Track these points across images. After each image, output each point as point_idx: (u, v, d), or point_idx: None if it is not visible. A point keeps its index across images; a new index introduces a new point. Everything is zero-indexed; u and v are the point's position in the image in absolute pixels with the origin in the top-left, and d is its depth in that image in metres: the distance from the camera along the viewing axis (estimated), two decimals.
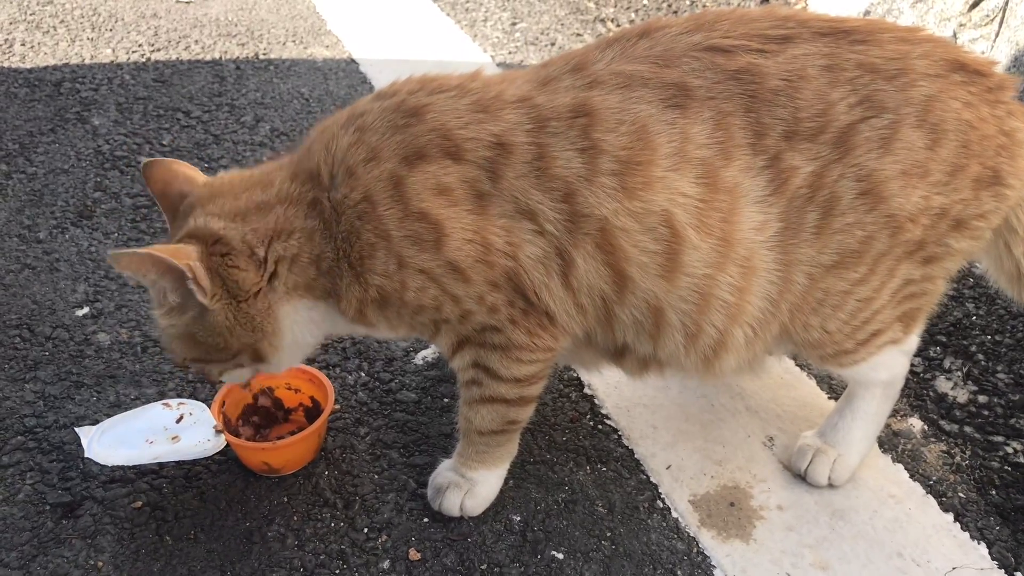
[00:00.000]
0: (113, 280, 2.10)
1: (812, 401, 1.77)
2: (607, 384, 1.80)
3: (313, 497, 1.57)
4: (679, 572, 1.44)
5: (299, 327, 1.41)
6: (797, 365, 1.85)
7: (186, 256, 1.30)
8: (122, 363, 1.86)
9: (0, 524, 1.51)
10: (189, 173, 1.46)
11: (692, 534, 1.50)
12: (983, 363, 1.86)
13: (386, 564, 1.45)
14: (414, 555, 1.47)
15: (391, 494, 1.57)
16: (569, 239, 1.30)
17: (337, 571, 1.44)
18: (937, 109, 1.30)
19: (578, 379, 1.81)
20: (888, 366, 1.52)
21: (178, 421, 1.62)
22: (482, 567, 1.45)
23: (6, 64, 3.15)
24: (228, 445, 1.57)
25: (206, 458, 1.61)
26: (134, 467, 1.61)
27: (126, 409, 1.72)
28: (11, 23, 3.47)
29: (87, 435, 1.59)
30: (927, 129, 1.30)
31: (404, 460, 1.64)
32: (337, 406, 1.74)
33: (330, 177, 1.34)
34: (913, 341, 1.55)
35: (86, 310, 2.00)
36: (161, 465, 1.61)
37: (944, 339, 1.92)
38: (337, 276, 1.36)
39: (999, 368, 1.85)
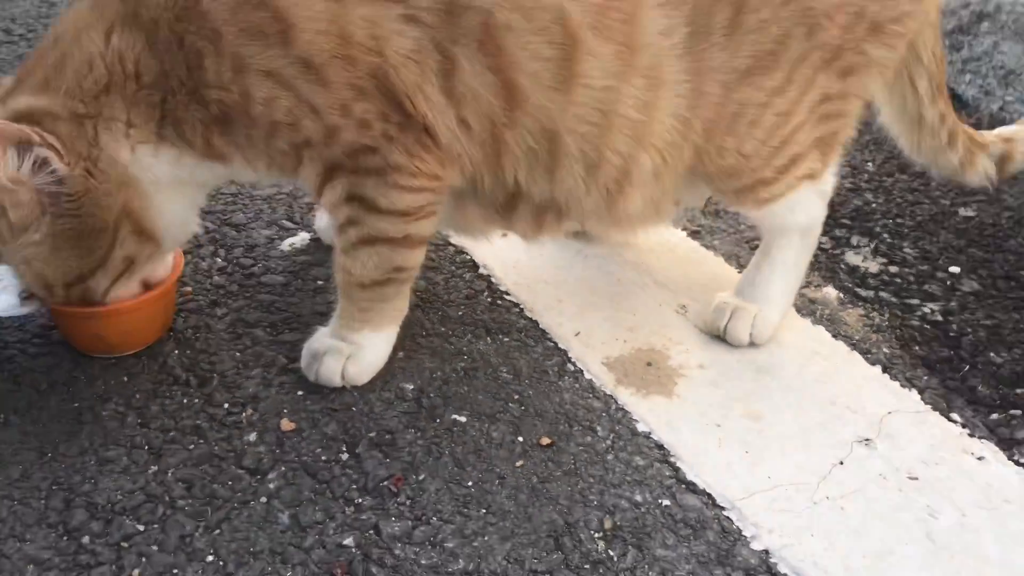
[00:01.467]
0: None
1: (722, 273, 1.64)
2: (504, 263, 1.61)
3: (160, 376, 1.30)
4: (598, 428, 1.26)
5: (152, 171, 1.19)
6: (703, 246, 1.73)
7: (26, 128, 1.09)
8: None
9: None
10: None
11: (608, 392, 1.32)
12: (888, 240, 1.79)
13: (252, 436, 1.20)
14: (287, 425, 1.22)
15: (256, 370, 1.32)
16: (447, 33, 1.11)
17: (191, 447, 1.18)
18: None
19: (471, 260, 1.62)
20: (805, 207, 1.41)
21: None
22: (370, 435, 1.22)
23: None
24: (51, 319, 1.28)
25: (20, 340, 1.32)
26: None
27: None
28: None
29: None
30: None
31: (270, 338, 1.39)
32: (188, 288, 1.48)
33: None
34: (829, 180, 1.45)
35: None
36: None
37: (848, 222, 1.84)
38: (170, 95, 1.14)
39: (904, 244, 1.79)
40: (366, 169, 1.19)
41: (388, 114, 1.15)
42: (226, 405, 1.25)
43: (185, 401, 1.26)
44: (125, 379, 1.29)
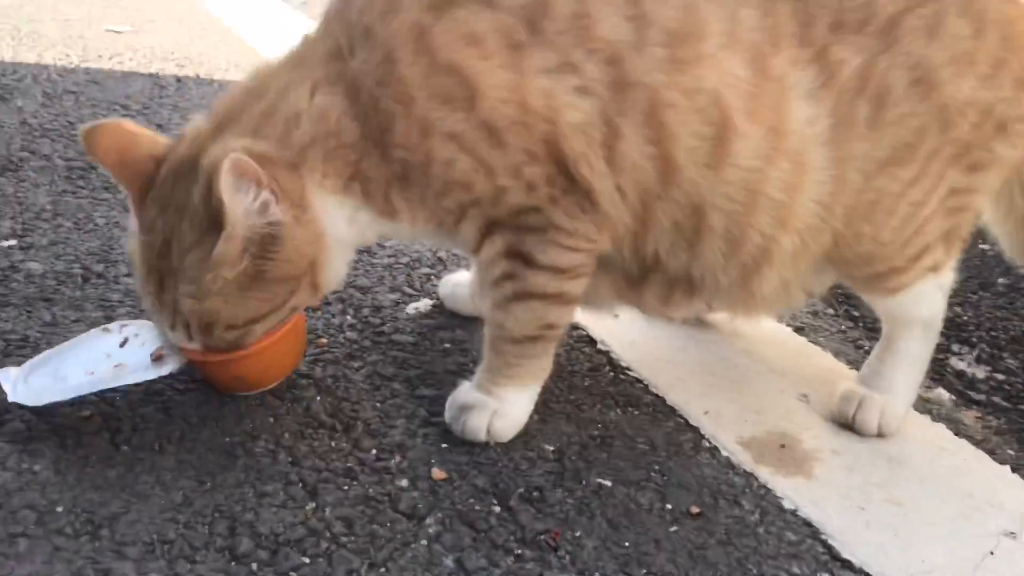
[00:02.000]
0: (46, 220, 1.81)
1: (834, 368, 1.66)
2: (621, 341, 1.63)
3: (305, 419, 1.31)
4: (743, 502, 1.25)
5: (337, 225, 1.23)
6: (811, 342, 1.75)
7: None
8: (60, 289, 1.56)
9: None
10: (148, 133, 1.28)
11: (748, 470, 1.33)
12: (988, 351, 1.82)
13: (403, 482, 1.20)
14: (438, 474, 1.22)
15: (399, 420, 1.33)
16: (615, 106, 1.18)
17: (345, 487, 1.18)
18: (978, 0, 1.30)
19: (589, 336, 1.64)
20: (929, 300, 1.44)
21: (122, 345, 1.33)
22: (519, 490, 1.22)
23: None
24: (193, 368, 1.29)
25: (168, 377, 1.33)
26: None
27: (64, 330, 1.43)
28: None
29: (9, 378, 1.26)
30: (971, 18, 1.28)
31: (408, 391, 1.41)
32: (323, 339, 1.50)
33: (348, 46, 1.19)
34: (949, 276, 1.48)
35: (13, 242, 1.70)
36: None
37: (945, 331, 1.87)
38: (366, 156, 1.20)
39: (1005, 355, 1.81)
40: (528, 227, 1.23)
41: (554, 178, 1.20)
42: (374, 451, 1.26)
43: (333, 444, 1.26)
44: (271, 419, 1.29)
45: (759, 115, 1.22)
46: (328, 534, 1.10)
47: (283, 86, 1.21)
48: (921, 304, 1.44)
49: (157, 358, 1.29)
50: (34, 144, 2.21)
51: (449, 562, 1.08)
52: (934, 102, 1.28)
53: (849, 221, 1.31)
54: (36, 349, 1.37)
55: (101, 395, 1.29)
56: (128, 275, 1.64)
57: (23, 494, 1.09)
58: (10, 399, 1.23)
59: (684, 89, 1.19)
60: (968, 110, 1.29)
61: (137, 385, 1.31)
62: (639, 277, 1.36)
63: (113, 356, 1.34)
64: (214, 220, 1.13)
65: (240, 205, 1.11)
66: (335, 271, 1.27)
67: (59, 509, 1.08)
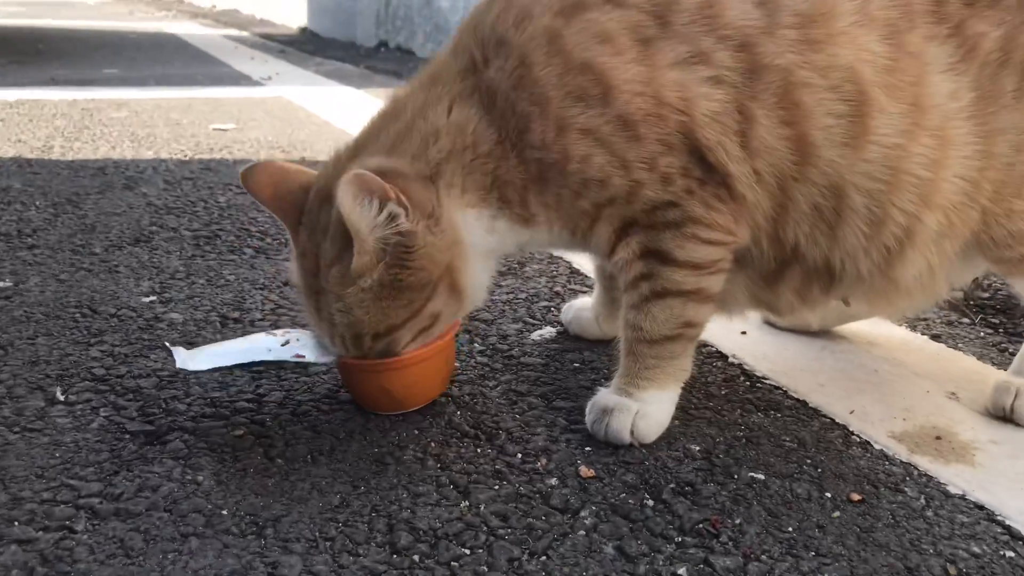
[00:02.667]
0: (181, 279, 1.90)
1: (980, 370, 1.59)
2: (753, 355, 1.61)
3: (448, 431, 1.32)
4: (906, 488, 1.20)
5: (475, 234, 1.27)
6: (950, 348, 1.69)
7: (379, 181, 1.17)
8: (200, 334, 1.63)
9: (71, 447, 1.23)
10: (298, 167, 1.36)
11: (904, 460, 1.27)
12: None
13: (553, 481, 1.19)
14: (586, 472, 1.21)
15: (540, 428, 1.33)
16: (748, 92, 1.19)
17: (496, 487, 1.17)
18: None
19: (719, 351, 1.62)
20: None
21: (283, 345, 1.41)
22: (670, 486, 1.19)
23: (46, 157, 3.08)
24: (339, 380, 1.34)
25: (312, 399, 1.37)
26: (228, 404, 1.36)
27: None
28: (48, 136, 3.45)
29: (181, 354, 1.46)
30: None
31: (545, 404, 1.41)
32: (457, 363, 1.52)
33: (483, 58, 1.25)
34: None
35: (153, 298, 1.79)
36: (260, 403, 1.36)
37: None
38: (503, 160, 1.24)
39: None
40: (664, 223, 1.24)
41: (690, 168, 1.22)
42: (519, 455, 1.25)
43: (479, 450, 1.26)
44: (416, 432, 1.31)
45: (898, 90, 1.21)
46: (485, 527, 1.09)
47: (420, 105, 1.27)
48: None
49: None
50: (162, 220, 2.34)
51: (609, 549, 1.06)
52: None
53: (999, 197, 1.28)
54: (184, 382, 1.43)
55: (252, 417, 1.33)
56: (263, 319, 1.71)
57: (190, 500, 1.12)
58: (177, 366, 1.46)
59: (818, 67, 1.19)
60: None
61: (284, 407, 1.35)
62: (776, 272, 1.34)
63: (273, 352, 1.48)
64: (349, 237, 1.18)
65: (364, 218, 1.15)
66: (476, 279, 1.29)
67: (224, 512, 1.10)
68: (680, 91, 1.19)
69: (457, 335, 1.47)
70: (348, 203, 1.14)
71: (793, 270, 1.34)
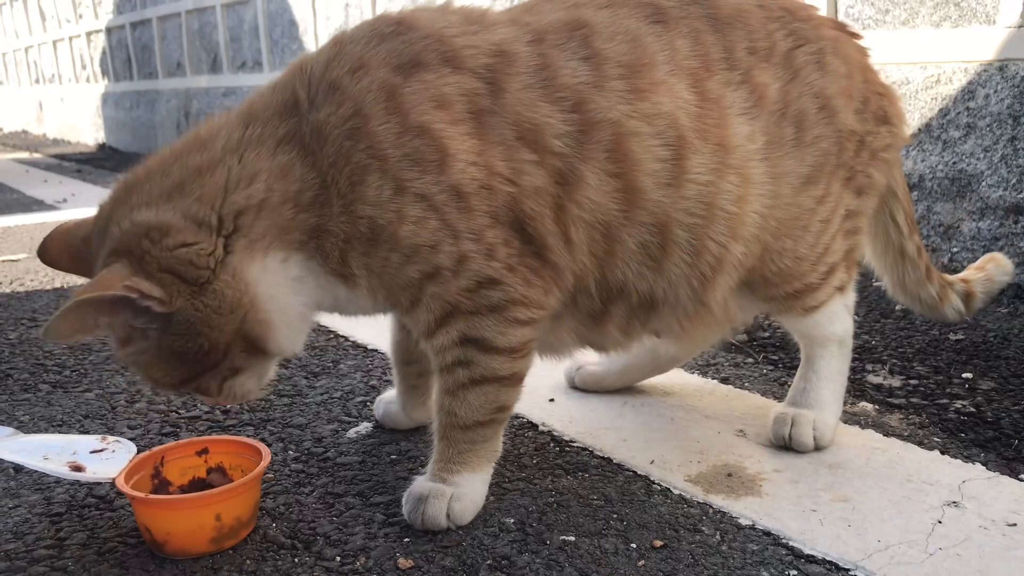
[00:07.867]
0: None
1: (764, 405, 1.74)
2: (561, 420, 1.69)
3: (264, 544, 1.30)
4: (703, 527, 1.29)
5: (280, 288, 1.24)
6: (737, 388, 1.84)
7: (117, 278, 1.14)
8: None
9: None
10: (79, 220, 1.33)
11: (701, 500, 1.37)
12: (899, 364, 1.94)
13: None
14: (404, 563, 1.23)
15: (358, 527, 1.34)
16: (579, 155, 1.27)
17: None
18: (843, 46, 1.48)
19: (529, 421, 1.69)
20: (840, 318, 1.56)
21: (95, 452, 1.37)
22: (487, 562, 1.23)
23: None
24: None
25: (120, 532, 1.32)
26: (24, 555, 1.28)
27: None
28: None
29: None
30: (842, 59, 1.47)
31: (362, 503, 1.42)
32: (269, 475, 1.51)
33: (308, 99, 1.24)
34: (852, 296, 1.60)
35: None
36: (61, 547, 1.30)
37: (857, 355, 1.99)
38: (326, 208, 1.22)
39: (914, 364, 1.94)
40: (488, 306, 1.27)
41: (510, 240, 1.26)
42: (338, 559, 1.25)
43: (296, 560, 1.25)
44: (231, 552, 1.28)
45: (707, 132, 1.33)
46: None
47: (235, 143, 1.23)
48: (835, 322, 1.55)
49: (75, 467, 1.33)
50: None
51: None
52: (834, 127, 1.43)
53: (778, 234, 1.42)
54: None
55: (52, 564, 1.26)
56: None
57: None
58: None
59: (646, 115, 1.29)
60: (852, 137, 1.46)
61: (88, 548, 1.29)
62: (601, 312, 1.40)
63: (79, 455, 1.37)
64: None
65: (108, 324, 1.17)
66: (280, 334, 1.26)
67: None
68: (509, 160, 1.24)
69: (267, 479, 1.45)
70: (84, 332, 1.15)
71: (618, 307, 1.40)
